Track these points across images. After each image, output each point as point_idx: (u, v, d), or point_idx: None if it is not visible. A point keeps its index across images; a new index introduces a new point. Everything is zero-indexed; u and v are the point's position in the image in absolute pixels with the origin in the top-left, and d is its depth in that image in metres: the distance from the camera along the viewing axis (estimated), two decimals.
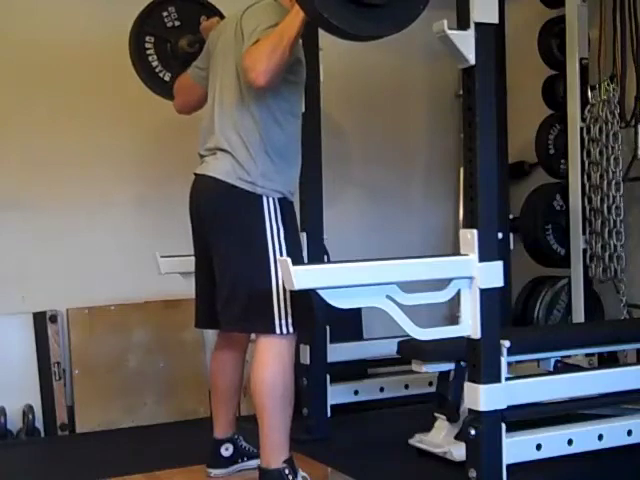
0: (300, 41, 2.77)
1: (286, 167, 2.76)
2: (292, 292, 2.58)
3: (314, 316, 2.75)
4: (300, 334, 2.78)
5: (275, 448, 2.67)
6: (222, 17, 3.27)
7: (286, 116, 2.75)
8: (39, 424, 3.83)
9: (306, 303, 2.69)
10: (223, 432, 3.03)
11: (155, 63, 3.29)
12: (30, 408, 3.78)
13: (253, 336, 2.87)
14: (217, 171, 2.73)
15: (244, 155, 2.70)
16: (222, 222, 2.72)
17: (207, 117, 2.85)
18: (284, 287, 2.60)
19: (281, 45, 2.50)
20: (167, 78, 3.28)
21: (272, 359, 2.66)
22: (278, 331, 2.64)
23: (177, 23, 3.28)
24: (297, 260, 2.55)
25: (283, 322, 2.64)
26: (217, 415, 3.06)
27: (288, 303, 2.65)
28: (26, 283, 3.97)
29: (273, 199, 2.70)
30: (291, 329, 2.65)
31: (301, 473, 2.73)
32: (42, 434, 3.83)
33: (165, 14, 3.27)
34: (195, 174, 2.84)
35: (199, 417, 4.00)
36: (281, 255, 2.64)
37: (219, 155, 2.75)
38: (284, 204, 2.74)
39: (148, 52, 3.27)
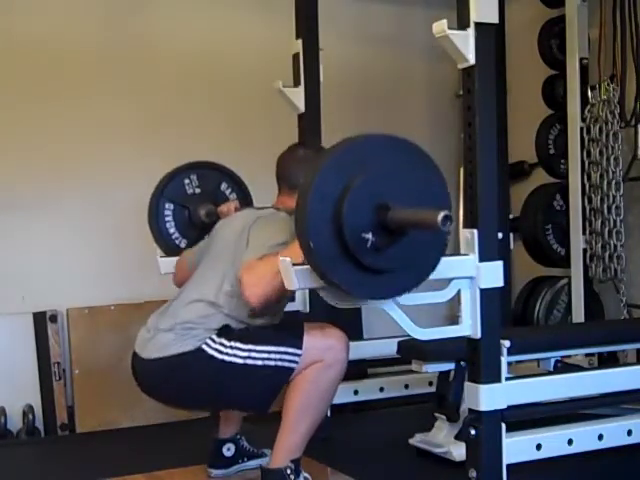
0: None
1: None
2: (264, 338, 2.62)
3: (293, 321, 2.75)
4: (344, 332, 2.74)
5: (287, 451, 2.67)
6: (241, 184, 3.34)
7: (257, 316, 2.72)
8: (39, 424, 3.83)
9: (279, 326, 2.72)
10: (227, 432, 3.04)
11: (172, 230, 3.28)
12: (30, 408, 3.78)
13: None
14: (152, 351, 2.71)
15: (176, 324, 2.67)
16: (185, 391, 2.68)
17: (174, 296, 2.85)
18: (257, 351, 2.60)
19: (279, 277, 2.43)
20: (183, 245, 3.27)
21: (315, 374, 2.63)
22: (295, 366, 2.62)
23: (197, 190, 3.29)
24: (251, 332, 2.63)
25: (288, 357, 2.62)
26: (225, 415, 3.06)
27: (277, 350, 2.62)
28: (26, 283, 3.97)
29: (210, 338, 2.63)
30: (298, 351, 2.62)
31: (304, 474, 2.73)
32: (42, 434, 3.83)
33: (187, 181, 3.27)
34: (135, 352, 2.81)
35: (199, 417, 3.99)
36: (243, 350, 2.61)
37: (157, 335, 2.72)
38: (221, 329, 2.66)
39: (167, 218, 3.27)
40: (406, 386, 3.82)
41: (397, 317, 2.40)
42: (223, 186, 3.34)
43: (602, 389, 2.96)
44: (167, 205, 3.27)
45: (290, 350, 2.62)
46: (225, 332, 2.65)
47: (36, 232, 3.99)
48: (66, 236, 4.04)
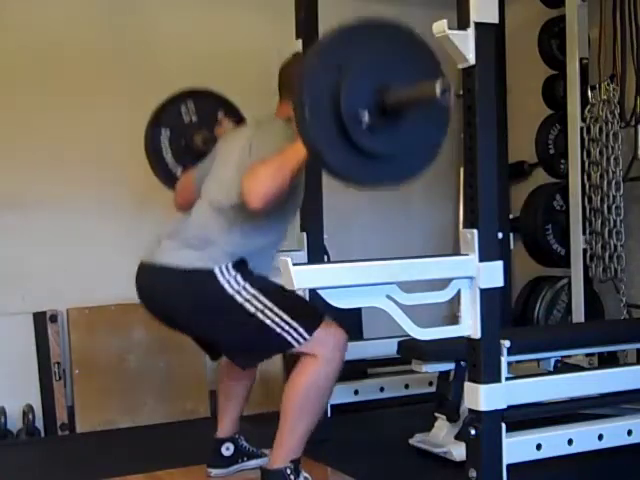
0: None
1: (247, 254, 2.72)
2: (285, 304, 2.61)
3: (317, 309, 2.73)
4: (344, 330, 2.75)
5: (286, 452, 2.67)
6: (238, 113, 3.32)
7: (269, 227, 2.73)
8: (39, 424, 3.83)
9: (304, 304, 2.70)
10: (226, 432, 3.04)
11: (168, 156, 3.29)
12: (30, 408, 3.78)
13: None
14: (163, 257, 2.71)
15: (193, 237, 2.69)
16: (184, 307, 2.68)
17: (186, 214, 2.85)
18: (273, 312, 2.61)
19: (281, 173, 2.49)
20: (178, 173, 3.27)
21: (315, 368, 2.64)
22: (296, 345, 2.63)
23: (194, 118, 3.29)
24: (283, 297, 2.59)
25: (295, 334, 2.62)
26: (222, 414, 3.06)
27: (288, 319, 2.62)
28: (26, 283, 3.97)
29: (226, 265, 2.64)
30: (307, 335, 2.63)
31: (303, 474, 2.73)
32: (42, 434, 3.83)
33: (183, 109, 3.28)
34: (141, 262, 2.82)
35: (199, 417, 4.00)
36: (258, 301, 2.61)
37: (169, 243, 2.73)
38: (236, 263, 2.66)
39: (163, 144, 3.27)
40: (406, 386, 3.81)
41: (397, 317, 2.40)
42: (220, 114, 3.30)
43: (602, 389, 2.96)
44: (163, 131, 3.26)
45: (301, 330, 2.62)
46: (242, 269, 2.64)
47: (36, 232, 3.98)
48: (66, 236, 4.04)
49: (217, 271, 2.61)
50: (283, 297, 2.66)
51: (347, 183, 2.34)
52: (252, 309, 2.61)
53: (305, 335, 2.63)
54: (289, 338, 2.62)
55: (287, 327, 2.62)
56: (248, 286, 2.62)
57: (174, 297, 2.68)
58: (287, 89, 2.87)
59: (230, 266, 2.63)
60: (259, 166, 2.54)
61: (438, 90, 2.05)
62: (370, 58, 2.24)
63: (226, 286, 2.61)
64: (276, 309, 2.61)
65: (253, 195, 2.50)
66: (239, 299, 2.61)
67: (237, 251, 2.67)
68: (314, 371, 2.63)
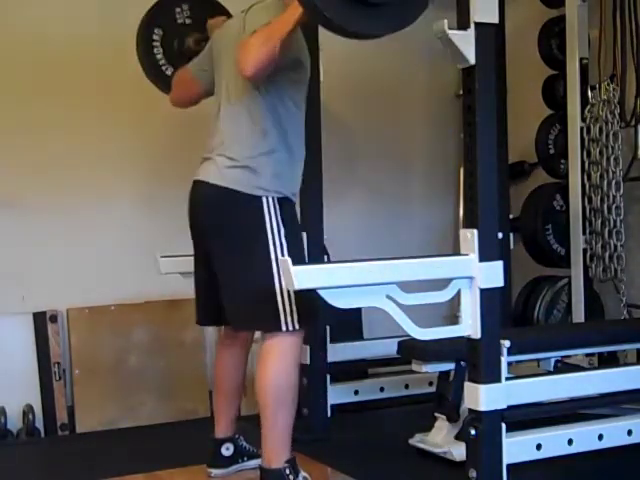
0: (303, 42, 2.77)
1: (288, 167, 2.76)
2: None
3: (318, 311, 2.74)
4: (306, 331, 2.78)
5: (277, 447, 2.67)
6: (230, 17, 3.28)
7: (290, 115, 2.76)
8: (39, 424, 3.83)
9: (311, 299, 2.70)
10: (224, 432, 3.04)
11: (160, 56, 3.28)
12: (30, 408, 3.78)
13: (257, 335, 2.87)
14: (213, 176, 2.74)
15: (243, 157, 2.70)
16: (221, 227, 2.72)
17: (213, 119, 2.87)
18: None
19: (273, 38, 2.51)
20: (169, 72, 3.27)
21: (277, 358, 2.67)
22: (284, 328, 2.65)
23: (188, 21, 3.28)
24: (298, 260, 2.55)
25: (289, 319, 2.65)
26: (219, 414, 3.07)
27: (292, 300, 2.65)
28: (26, 283, 3.96)
29: (273, 198, 2.70)
30: (297, 325, 2.65)
31: (302, 474, 2.73)
32: (42, 434, 3.82)
33: (178, 10, 3.27)
34: (194, 181, 2.84)
35: (199, 417, 4.00)
36: (282, 254, 2.64)
37: (218, 160, 2.75)
38: (284, 203, 2.73)
39: (154, 44, 3.27)
40: (406, 386, 3.82)
41: (397, 317, 2.40)
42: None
43: (602, 389, 2.96)
44: (156, 31, 3.26)
45: (295, 317, 2.64)
46: (286, 211, 2.71)
47: (36, 232, 3.98)
48: (66, 236, 4.04)
49: (264, 200, 2.67)
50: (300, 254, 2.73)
51: (341, 33, 2.35)
52: (272, 253, 2.64)
53: (295, 325, 2.65)
54: (282, 317, 2.64)
55: (287, 307, 2.64)
56: (282, 232, 2.67)
57: (217, 213, 2.72)
58: None
59: (276, 201, 2.69)
60: (250, 36, 2.57)
61: None
62: None
63: (265, 214, 2.66)
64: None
65: (244, 64, 2.53)
66: (268, 232, 2.66)
67: (276, 167, 2.70)
68: (277, 360, 2.65)
